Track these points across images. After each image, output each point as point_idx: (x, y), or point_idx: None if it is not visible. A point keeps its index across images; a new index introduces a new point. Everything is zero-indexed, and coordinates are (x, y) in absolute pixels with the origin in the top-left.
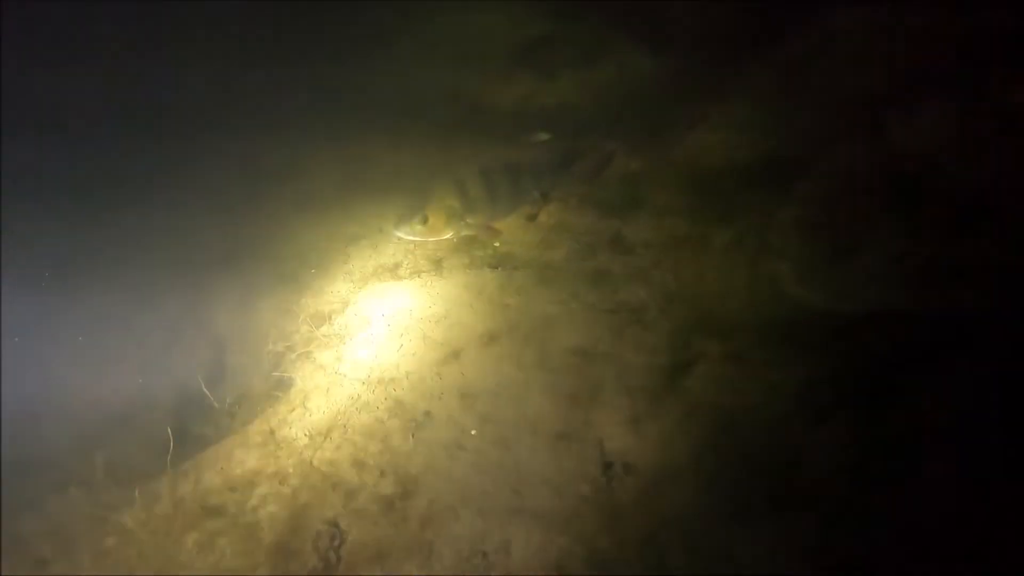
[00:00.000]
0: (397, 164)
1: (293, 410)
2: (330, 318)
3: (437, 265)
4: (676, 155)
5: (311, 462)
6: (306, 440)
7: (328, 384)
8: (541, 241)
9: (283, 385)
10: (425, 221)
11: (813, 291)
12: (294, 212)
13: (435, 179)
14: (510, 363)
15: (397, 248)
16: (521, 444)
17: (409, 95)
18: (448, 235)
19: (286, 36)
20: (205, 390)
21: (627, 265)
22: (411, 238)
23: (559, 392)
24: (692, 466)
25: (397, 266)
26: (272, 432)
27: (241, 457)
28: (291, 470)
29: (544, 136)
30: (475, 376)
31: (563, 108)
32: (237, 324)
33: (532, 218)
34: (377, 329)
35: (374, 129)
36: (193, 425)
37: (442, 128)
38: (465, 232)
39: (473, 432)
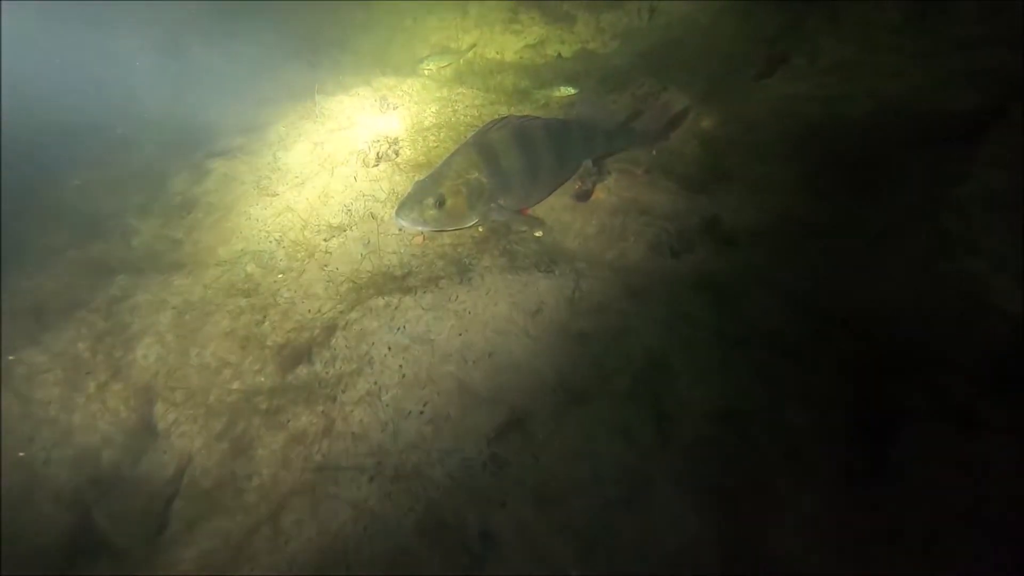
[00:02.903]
0: None
1: None
2: None
3: (462, 269)
4: (755, 109)
5: None
6: None
7: None
8: (601, 229)
9: None
10: (442, 204)
11: None
12: None
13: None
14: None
15: (399, 242)
16: None
17: None
18: (471, 222)
19: None
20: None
21: (738, 264)
22: (421, 228)
23: None
24: None
25: (406, 275)
26: None
27: None
28: None
29: (569, 90)
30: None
31: (586, 57)
32: None
33: (584, 196)
34: None
35: None
36: None
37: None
38: (495, 218)
39: None
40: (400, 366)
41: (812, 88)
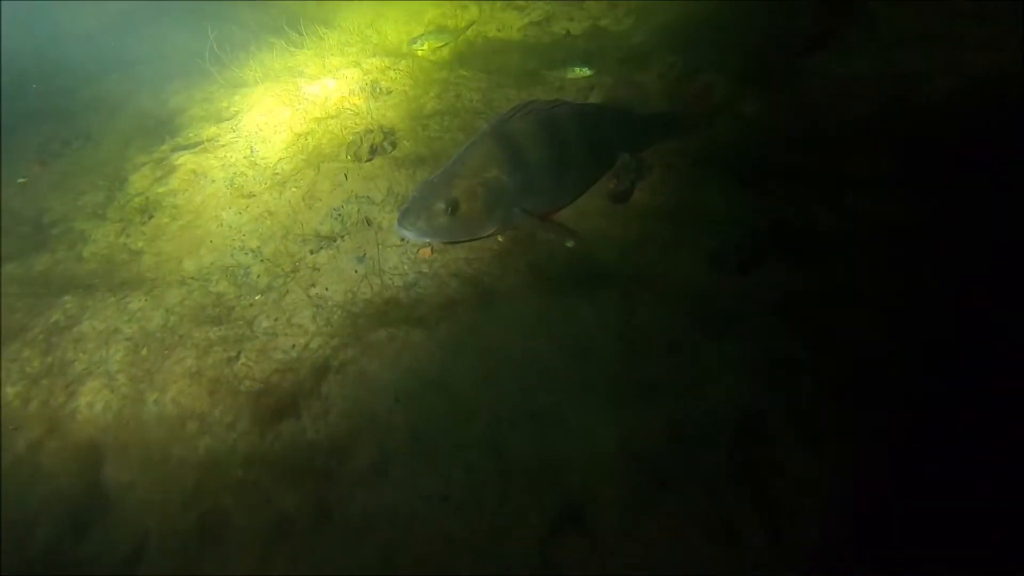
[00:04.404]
0: None
1: None
2: None
3: (481, 292)
4: (808, 92)
5: None
6: None
7: None
8: (646, 238)
9: None
10: (454, 209)
11: None
12: None
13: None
14: None
15: (402, 257)
16: None
17: None
18: (490, 231)
19: None
20: None
21: (823, 282)
22: (429, 239)
23: None
24: None
25: (413, 300)
26: None
27: None
28: None
29: (584, 71)
30: None
31: (599, 35)
32: None
33: (622, 197)
34: None
35: None
36: None
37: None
38: (517, 223)
39: None
40: (412, 425)
41: (874, 66)
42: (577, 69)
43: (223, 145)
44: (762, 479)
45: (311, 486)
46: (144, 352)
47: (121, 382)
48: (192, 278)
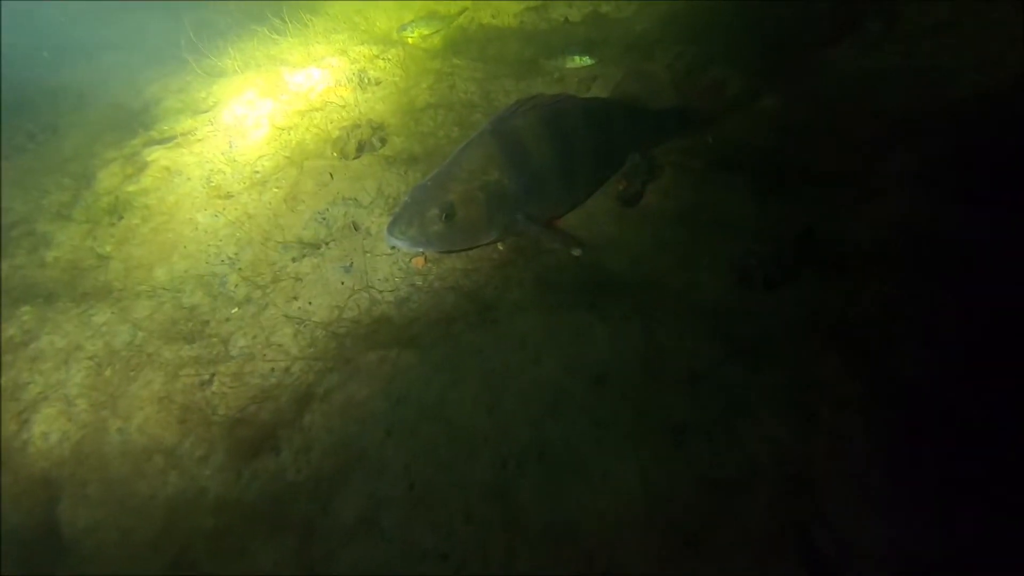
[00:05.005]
0: None
1: None
2: None
3: (482, 308)
4: (827, 86)
5: None
6: None
7: None
8: (659, 246)
9: None
10: (451, 215)
11: None
12: None
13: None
14: None
15: (394, 267)
16: None
17: None
18: (490, 239)
19: None
20: None
21: (862, 301)
22: (423, 248)
23: None
24: None
25: (401, 300)
26: None
27: None
28: None
29: (585, 60)
30: None
31: (600, 22)
32: None
33: (632, 200)
34: None
35: None
36: None
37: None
38: (519, 230)
39: None
40: (406, 464)
41: (898, 59)
42: (577, 58)
43: (199, 140)
44: (810, 539)
45: (292, 540)
46: (108, 373)
47: (81, 408)
48: (163, 288)
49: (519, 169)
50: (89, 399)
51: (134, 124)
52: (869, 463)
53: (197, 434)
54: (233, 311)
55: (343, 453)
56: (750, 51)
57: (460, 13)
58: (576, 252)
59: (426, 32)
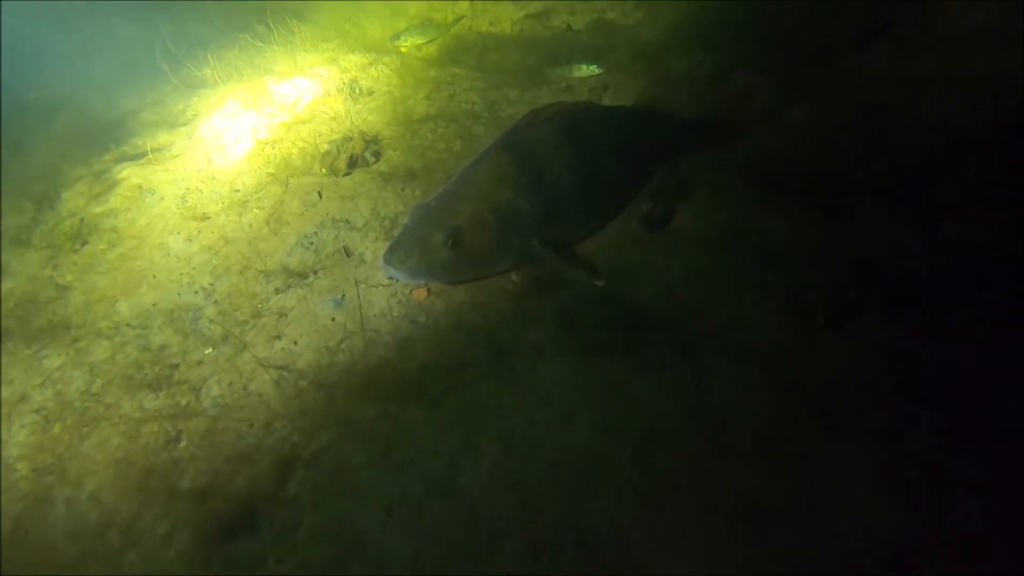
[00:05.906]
0: None
1: None
2: None
3: (496, 351)
4: (863, 96)
5: None
6: None
7: None
8: (693, 275)
9: None
10: (457, 242)
11: None
12: None
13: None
14: None
15: (392, 300)
16: None
17: None
18: (502, 269)
19: None
20: None
21: (943, 344)
22: (425, 280)
23: None
24: None
25: (402, 342)
26: None
27: None
28: None
29: (592, 68)
30: None
31: (605, 29)
32: None
33: (660, 222)
34: None
35: None
36: None
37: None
38: (535, 258)
39: None
40: (414, 553)
41: (940, 65)
42: (584, 67)
43: (175, 155)
44: None
45: None
46: (57, 430)
47: (22, 474)
48: (128, 324)
49: (535, 188)
50: (32, 462)
51: (106, 138)
52: (991, 545)
53: (160, 506)
54: (206, 352)
55: (336, 536)
56: (775, 56)
57: (456, 21)
58: (599, 283)
59: (421, 41)
